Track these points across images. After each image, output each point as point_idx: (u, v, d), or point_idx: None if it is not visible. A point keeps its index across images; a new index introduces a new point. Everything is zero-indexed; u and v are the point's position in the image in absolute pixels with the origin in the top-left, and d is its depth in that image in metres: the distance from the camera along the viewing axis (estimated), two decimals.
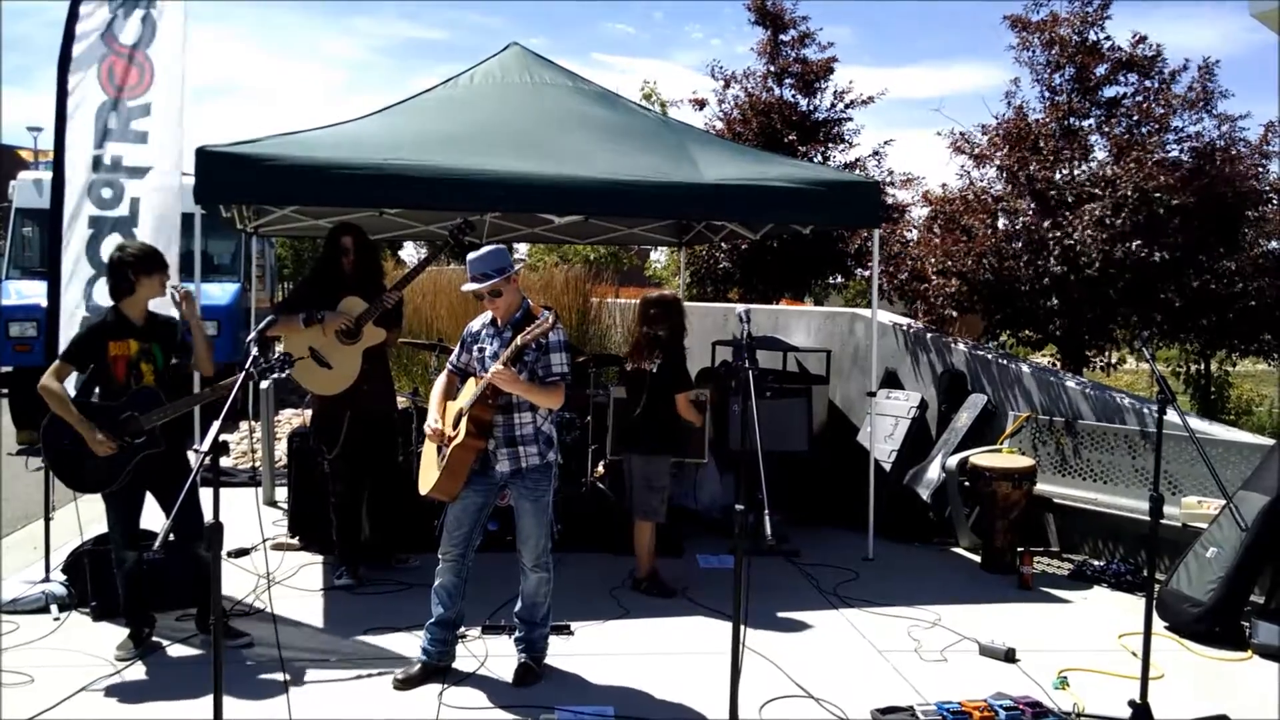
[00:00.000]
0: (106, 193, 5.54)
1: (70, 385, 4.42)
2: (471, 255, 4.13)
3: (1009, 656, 4.57)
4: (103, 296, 5.32)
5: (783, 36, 13.86)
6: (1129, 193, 8.59)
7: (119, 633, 4.52)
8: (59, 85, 5.40)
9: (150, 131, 5.63)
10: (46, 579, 5.05)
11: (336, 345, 5.31)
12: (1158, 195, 8.52)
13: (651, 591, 5.42)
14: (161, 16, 5.68)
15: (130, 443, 4.29)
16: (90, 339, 4.37)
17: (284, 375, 3.74)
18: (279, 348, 5.32)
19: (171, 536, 3.14)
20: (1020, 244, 9.12)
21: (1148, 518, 3.82)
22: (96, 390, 4.38)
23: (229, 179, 5.20)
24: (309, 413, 5.88)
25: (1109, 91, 10.19)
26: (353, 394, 5.36)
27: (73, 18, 5.46)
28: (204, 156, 5.11)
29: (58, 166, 5.41)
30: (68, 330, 5.23)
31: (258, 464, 7.67)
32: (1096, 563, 6.10)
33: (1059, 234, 8.75)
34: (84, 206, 5.48)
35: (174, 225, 5.66)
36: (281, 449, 7.87)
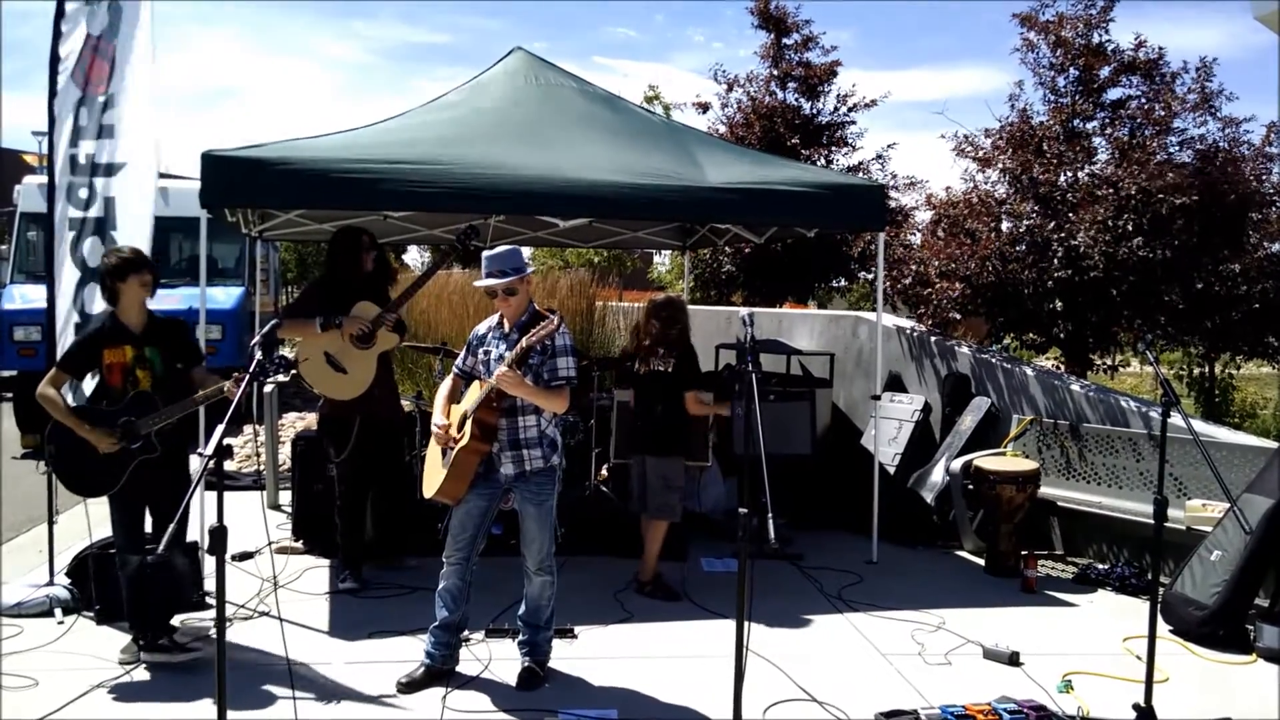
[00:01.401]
0: (82, 193, 5.37)
1: (77, 393, 4.39)
2: (488, 252, 4.15)
3: (1013, 660, 4.56)
4: (93, 301, 5.27)
5: (786, 40, 13.85)
6: (1131, 192, 8.58)
7: (123, 636, 4.52)
8: (50, 85, 5.31)
9: (117, 125, 5.43)
10: (51, 582, 5.05)
11: (351, 350, 5.31)
12: (1160, 196, 8.52)
13: (655, 595, 5.42)
14: (126, 6, 5.49)
15: (127, 447, 4.25)
16: (85, 346, 4.31)
17: (288, 379, 3.73)
18: (288, 352, 5.30)
19: (172, 543, 3.13)
20: (1024, 247, 9.12)
21: (1152, 521, 3.82)
22: (104, 402, 4.35)
23: (235, 183, 5.18)
24: (314, 416, 5.88)
25: (1113, 94, 10.19)
26: (364, 398, 5.36)
27: (59, 15, 5.37)
28: (210, 161, 5.10)
29: (50, 169, 5.33)
30: (64, 335, 5.18)
31: (261, 468, 7.68)
32: (1101, 566, 6.09)
33: (1062, 236, 8.75)
34: (66, 209, 5.34)
35: (148, 224, 5.40)
36: (285, 453, 7.88)
